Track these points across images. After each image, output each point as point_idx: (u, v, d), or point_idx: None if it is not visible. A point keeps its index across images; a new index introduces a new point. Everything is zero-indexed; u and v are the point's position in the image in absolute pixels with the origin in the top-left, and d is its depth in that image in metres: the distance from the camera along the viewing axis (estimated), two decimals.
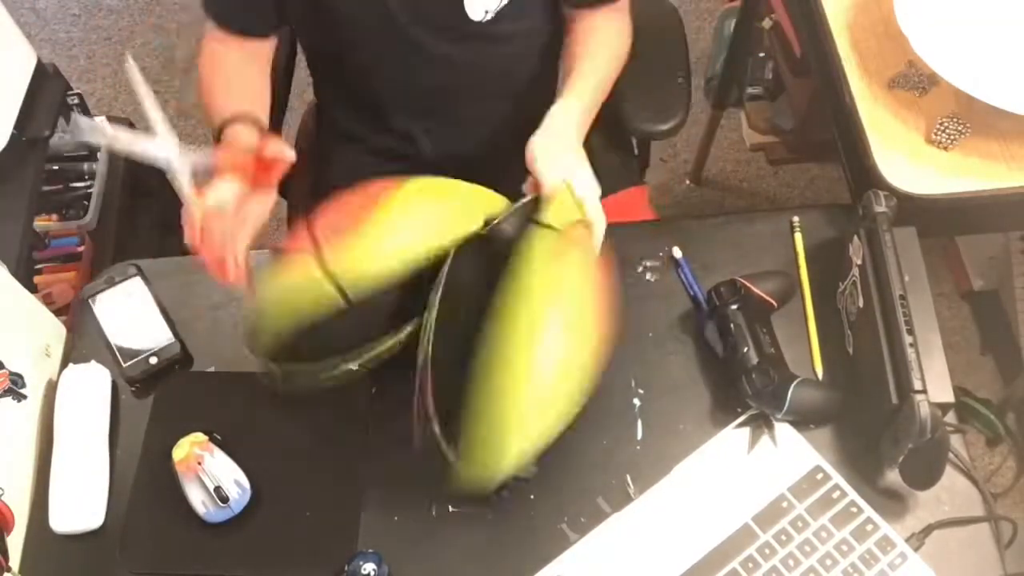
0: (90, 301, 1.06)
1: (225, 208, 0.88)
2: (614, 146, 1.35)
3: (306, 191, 1.39)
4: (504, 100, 1.20)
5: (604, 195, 1.15)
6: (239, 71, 1.12)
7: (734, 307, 0.95)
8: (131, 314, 1.05)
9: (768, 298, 0.98)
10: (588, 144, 1.02)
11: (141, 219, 1.62)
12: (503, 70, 1.17)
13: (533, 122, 1.04)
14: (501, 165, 1.17)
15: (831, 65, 1.12)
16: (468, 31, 1.06)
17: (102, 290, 1.07)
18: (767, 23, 1.86)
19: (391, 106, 1.20)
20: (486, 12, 1.05)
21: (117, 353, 1.02)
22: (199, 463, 0.91)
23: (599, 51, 1.10)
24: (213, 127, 1.01)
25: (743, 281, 0.97)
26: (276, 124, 1.31)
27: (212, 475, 0.91)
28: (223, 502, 0.90)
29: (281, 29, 1.16)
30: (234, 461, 0.93)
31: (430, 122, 1.20)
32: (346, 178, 1.27)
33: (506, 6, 1.05)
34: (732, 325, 0.94)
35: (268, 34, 1.15)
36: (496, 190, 0.94)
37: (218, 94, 1.08)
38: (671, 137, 1.27)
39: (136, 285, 1.07)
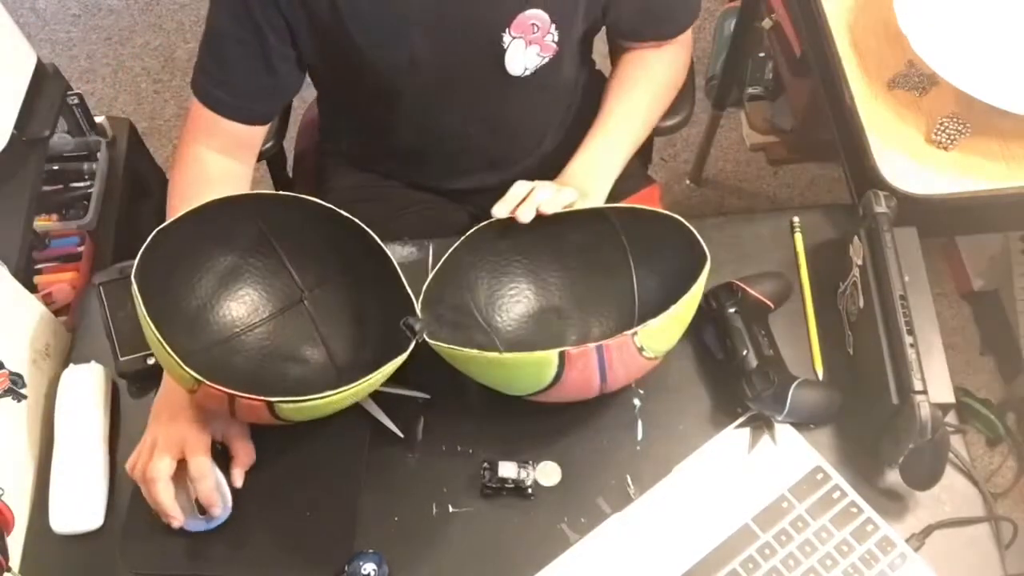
0: (101, 288, 1.06)
1: (162, 480, 0.88)
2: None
3: (312, 168, 1.38)
4: (535, 144, 1.21)
5: (623, 196, 1.17)
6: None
7: (731, 310, 0.95)
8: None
9: (765, 300, 0.98)
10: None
11: (141, 219, 1.62)
12: (536, 119, 1.18)
13: (558, 162, 1.07)
14: (498, 174, 1.19)
15: (831, 65, 1.12)
16: (505, 84, 1.06)
17: (114, 279, 1.06)
18: (767, 23, 1.86)
19: (416, 149, 1.20)
20: (525, 68, 1.05)
21: (116, 345, 1.02)
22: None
23: (639, 89, 1.11)
24: None
25: (739, 284, 0.97)
26: (276, 146, 1.30)
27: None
28: (202, 513, 0.90)
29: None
30: (231, 464, 0.93)
31: (457, 164, 1.21)
32: (346, 193, 1.27)
33: (545, 64, 1.05)
34: (730, 328, 0.94)
35: (271, 119, 1.11)
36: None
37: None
38: (678, 131, 1.27)
39: None
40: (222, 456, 0.93)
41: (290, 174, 1.43)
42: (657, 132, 1.24)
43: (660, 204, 1.32)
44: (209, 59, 1.03)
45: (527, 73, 1.05)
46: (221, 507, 0.90)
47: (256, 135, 1.08)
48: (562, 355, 0.82)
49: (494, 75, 1.04)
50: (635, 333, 0.82)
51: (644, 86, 1.12)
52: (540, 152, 1.22)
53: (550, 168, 1.07)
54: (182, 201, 0.99)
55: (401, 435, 0.96)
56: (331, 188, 1.28)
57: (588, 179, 1.04)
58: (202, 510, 0.90)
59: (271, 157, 1.34)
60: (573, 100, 1.22)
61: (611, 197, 1.06)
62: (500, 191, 0.98)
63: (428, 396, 0.97)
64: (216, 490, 0.89)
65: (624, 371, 0.87)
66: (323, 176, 1.31)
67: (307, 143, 1.39)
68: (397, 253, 1.08)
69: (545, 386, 0.85)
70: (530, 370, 0.85)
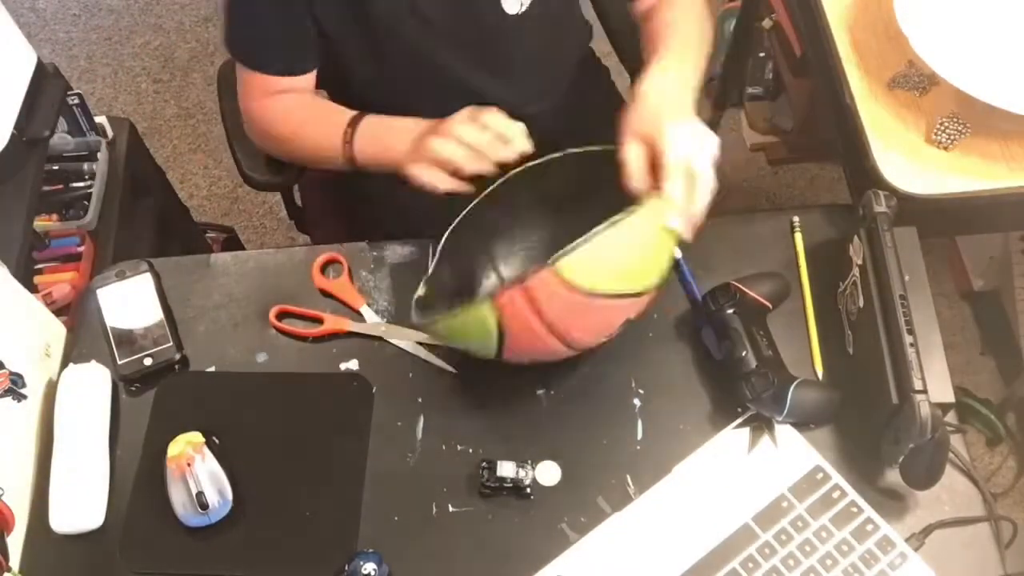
0: (97, 292, 1.06)
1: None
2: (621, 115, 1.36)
3: (321, 192, 1.38)
4: (534, 89, 1.21)
5: None
6: (312, 99, 1.13)
7: (730, 311, 0.95)
8: (134, 311, 1.05)
9: (763, 300, 0.98)
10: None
11: (141, 219, 1.61)
12: (540, 62, 1.18)
13: (566, 108, 1.08)
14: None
15: (831, 65, 1.12)
16: (503, 24, 1.08)
17: (111, 282, 1.07)
18: (767, 23, 1.86)
19: (422, 105, 1.18)
20: (521, 5, 1.07)
21: (115, 349, 1.02)
22: (189, 464, 0.91)
23: (682, 24, 1.05)
24: (341, 138, 1.04)
25: (737, 284, 0.97)
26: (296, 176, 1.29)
27: (197, 479, 0.90)
28: (202, 508, 0.90)
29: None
30: (230, 464, 0.93)
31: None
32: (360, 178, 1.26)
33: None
34: (729, 329, 0.94)
35: (315, 66, 1.14)
36: None
37: (315, 122, 1.10)
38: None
39: (145, 282, 1.07)
40: (220, 449, 0.93)
41: (298, 202, 1.45)
42: None
43: None
44: (240, 23, 1.08)
45: (523, 9, 1.07)
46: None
47: (309, 81, 1.13)
48: (494, 305, 0.80)
49: (492, 16, 1.07)
50: (553, 263, 0.78)
51: (689, 26, 1.06)
52: (552, 102, 1.23)
53: (565, 118, 1.07)
54: (293, 113, 1.10)
55: (454, 370, 0.99)
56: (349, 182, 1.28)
57: (673, 91, 0.95)
58: (202, 505, 0.90)
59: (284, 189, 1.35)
60: (577, 45, 1.24)
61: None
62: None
63: (455, 371, 0.99)
64: None
65: (566, 312, 0.83)
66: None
67: None
68: (397, 253, 1.08)
69: (497, 341, 0.84)
70: (475, 326, 0.83)
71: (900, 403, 0.85)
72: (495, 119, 0.91)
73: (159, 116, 2.33)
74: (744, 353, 0.93)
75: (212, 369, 1.03)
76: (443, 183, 0.92)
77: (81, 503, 0.93)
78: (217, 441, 0.94)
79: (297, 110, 1.11)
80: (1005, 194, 1.02)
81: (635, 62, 1.27)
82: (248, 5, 1.07)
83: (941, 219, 1.11)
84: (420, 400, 0.99)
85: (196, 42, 2.47)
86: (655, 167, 0.86)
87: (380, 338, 1.02)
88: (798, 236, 1.07)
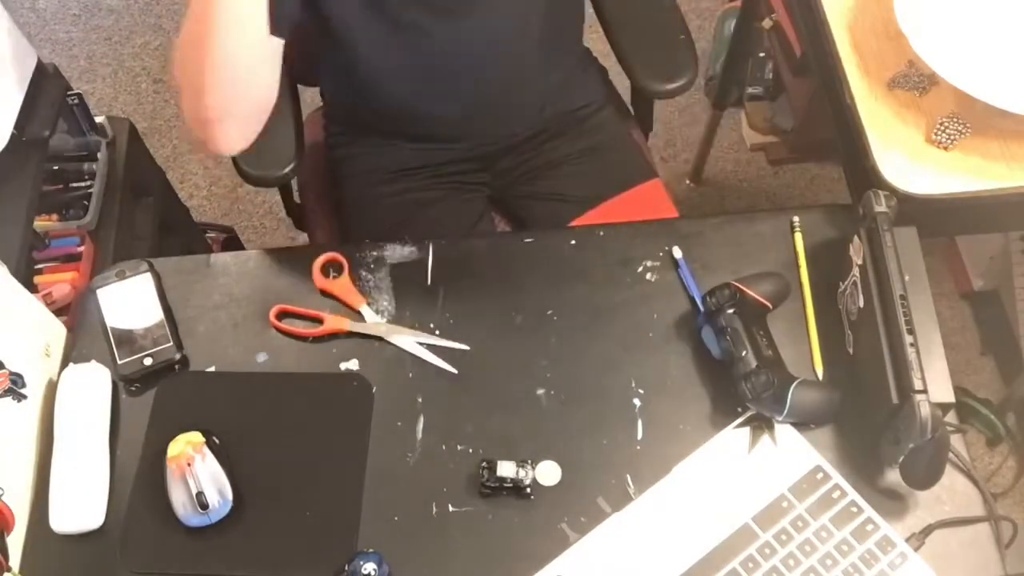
0: (97, 292, 1.06)
1: None
2: (620, 117, 1.35)
3: (320, 191, 1.39)
4: (502, 69, 1.19)
5: (620, 190, 1.13)
6: None
7: (730, 311, 0.95)
8: (135, 311, 1.05)
9: (763, 300, 0.98)
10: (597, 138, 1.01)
11: (141, 219, 1.61)
12: (500, 40, 1.15)
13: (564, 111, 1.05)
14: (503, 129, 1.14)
15: (831, 65, 1.12)
16: (464, 5, 1.06)
17: (111, 282, 1.07)
18: (767, 23, 1.86)
19: (393, 92, 1.18)
20: None
21: (115, 349, 1.02)
22: (189, 464, 0.91)
23: None
24: None
25: (737, 284, 0.97)
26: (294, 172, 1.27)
27: (198, 479, 0.90)
28: (202, 508, 0.90)
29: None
30: (230, 464, 0.93)
31: (455, 91, 1.19)
32: (359, 181, 1.26)
33: None
34: (729, 329, 0.94)
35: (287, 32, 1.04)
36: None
37: None
38: (682, 93, 1.26)
39: (145, 282, 1.07)
40: (220, 449, 0.93)
41: (296, 199, 1.44)
42: (660, 95, 1.24)
43: (668, 200, 1.32)
44: None
45: None
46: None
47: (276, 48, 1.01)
48: None
49: None
50: None
51: None
52: (550, 104, 1.20)
53: (564, 121, 1.03)
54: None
55: (454, 370, 0.99)
56: (346, 175, 1.28)
57: None
58: (202, 505, 0.90)
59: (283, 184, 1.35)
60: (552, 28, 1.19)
61: (609, 187, 1.03)
62: (513, 148, 0.96)
63: (455, 371, 0.99)
64: None
65: None
66: (337, 172, 1.31)
67: (313, 142, 1.39)
68: (397, 253, 1.08)
69: None
70: None
71: (900, 403, 0.85)
72: None
73: (159, 116, 2.33)
74: (744, 353, 0.93)
75: (212, 369, 1.03)
76: None
77: (81, 503, 0.93)
78: (217, 441, 0.94)
79: None
80: (1005, 194, 1.02)
81: (634, 61, 1.27)
82: None
83: (941, 219, 1.11)
84: (420, 400, 0.99)
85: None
86: None
87: (380, 338, 1.02)
88: (798, 236, 1.07)
